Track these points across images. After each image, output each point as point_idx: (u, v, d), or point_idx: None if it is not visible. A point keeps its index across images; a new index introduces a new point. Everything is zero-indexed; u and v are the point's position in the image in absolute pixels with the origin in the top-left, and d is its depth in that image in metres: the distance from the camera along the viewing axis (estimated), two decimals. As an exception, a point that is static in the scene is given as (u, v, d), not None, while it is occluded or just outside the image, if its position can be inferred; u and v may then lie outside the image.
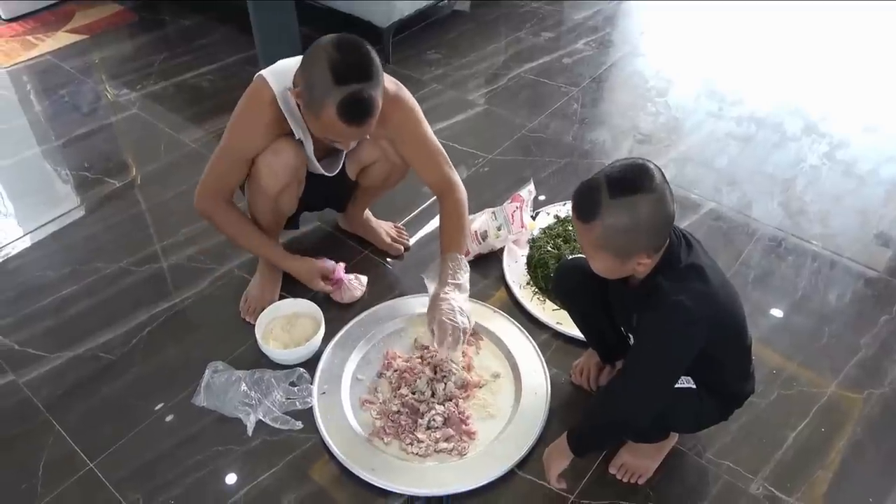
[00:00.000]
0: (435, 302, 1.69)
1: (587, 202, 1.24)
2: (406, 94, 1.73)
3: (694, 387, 1.41)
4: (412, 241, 2.19)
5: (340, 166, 1.83)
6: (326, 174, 1.82)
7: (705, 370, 1.38)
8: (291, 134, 1.69)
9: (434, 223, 2.21)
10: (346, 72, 1.44)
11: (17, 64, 3.11)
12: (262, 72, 1.64)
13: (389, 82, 1.69)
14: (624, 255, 1.26)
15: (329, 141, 1.60)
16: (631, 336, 1.52)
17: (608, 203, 1.20)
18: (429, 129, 1.80)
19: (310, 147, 1.73)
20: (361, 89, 1.45)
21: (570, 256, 1.56)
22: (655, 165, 1.23)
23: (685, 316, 1.24)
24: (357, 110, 1.47)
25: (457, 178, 1.84)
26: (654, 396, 1.32)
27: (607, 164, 1.27)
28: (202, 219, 1.84)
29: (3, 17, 3.41)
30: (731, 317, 1.36)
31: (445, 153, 1.83)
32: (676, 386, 1.38)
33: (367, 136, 1.66)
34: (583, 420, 1.46)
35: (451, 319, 1.63)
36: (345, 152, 1.78)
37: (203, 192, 1.77)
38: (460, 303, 1.68)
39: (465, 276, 1.75)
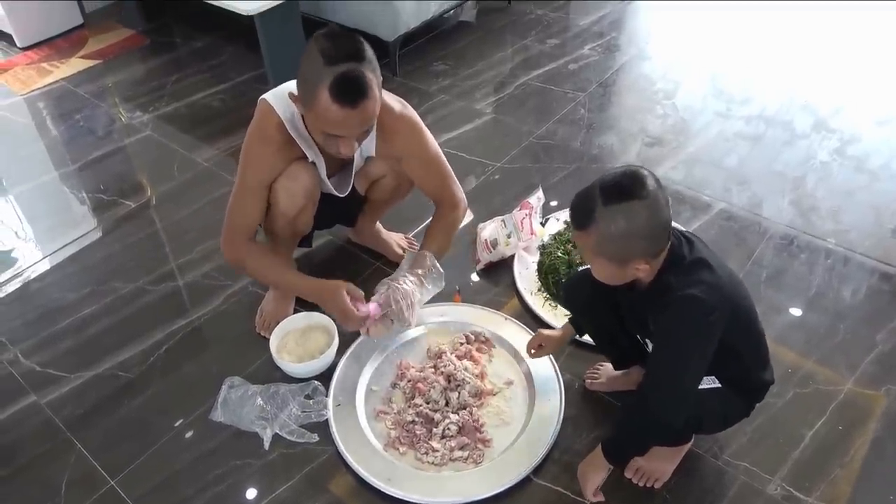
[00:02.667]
0: (391, 282, 1.72)
1: (582, 210, 1.27)
2: (411, 111, 1.73)
3: (720, 385, 1.42)
4: (423, 251, 2.20)
5: (350, 186, 1.82)
6: (338, 194, 1.82)
7: (725, 362, 1.38)
8: (303, 157, 1.70)
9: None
10: (336, 53, 1.41)
11: (33, 91, 3.18)
12: (265, 96, 1.63)
13: (394, 100, 1.70)
14: (621, 260, 1.28)
15: (329, 143, 1.55)
16: (648, 342, 1.52)
17: (602, 210, 1.23)
18: (434, 146, 1.80)
19: (322, 168, 1.73)
20: (354, 68, 1.42)
21: (581, 269, 1.58)
22: (650, 172, 1.25)
23: (701, 307, 1.26)
24: (350, 89, 1.42)
25: (460, 194, 1.84)
26: (686, 392, 1.33)
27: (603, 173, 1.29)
28: (233, 267, 1.80)
29: (18, 45, 3.49)
30: (742, 303, 1.37)
31: (451, 169, 1.83)
32: (703, 387, 1.39)
33: (369, 132, 1.58)
34: (618, 429, 1.48)
35: (394, 300, 1.68)
36: (353, 171, 1.78)
37: (229, 237, 1.74)
38: (411, 293, 1.71)
39: (430, 278, 1.75)
